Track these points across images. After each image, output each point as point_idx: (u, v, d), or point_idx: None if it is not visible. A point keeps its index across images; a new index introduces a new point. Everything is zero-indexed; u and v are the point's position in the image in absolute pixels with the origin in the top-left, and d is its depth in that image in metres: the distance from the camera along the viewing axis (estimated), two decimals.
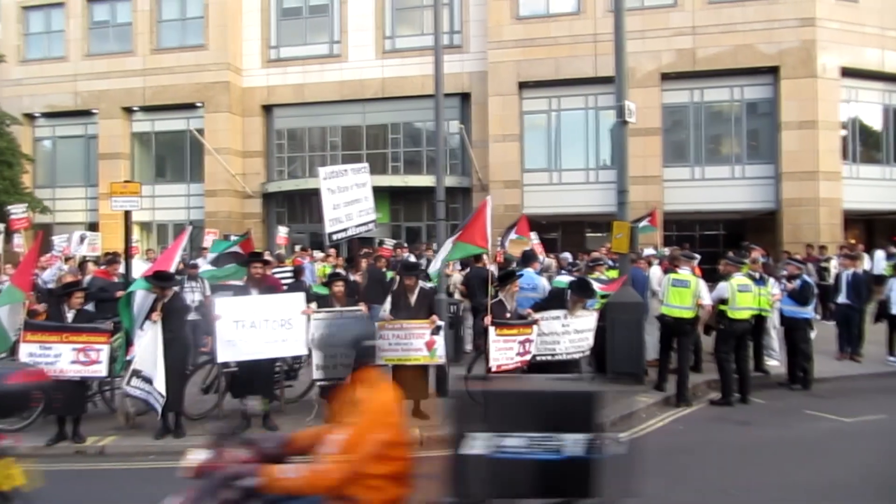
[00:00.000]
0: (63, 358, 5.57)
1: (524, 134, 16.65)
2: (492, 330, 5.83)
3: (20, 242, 11.15)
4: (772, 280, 7.91)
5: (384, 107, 18.11)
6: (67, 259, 11.85)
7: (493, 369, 5.86)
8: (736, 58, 15.27)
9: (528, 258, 8.04)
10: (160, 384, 5.51)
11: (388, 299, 6.33)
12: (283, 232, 13.64)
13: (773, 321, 8.09)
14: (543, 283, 7.59)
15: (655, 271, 8.11)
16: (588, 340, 6.17)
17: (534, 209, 15.06)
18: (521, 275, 6.92)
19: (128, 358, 5.87)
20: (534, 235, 11.17)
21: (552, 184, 16.52)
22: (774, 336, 8.21)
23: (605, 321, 7.14)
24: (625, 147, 7.82)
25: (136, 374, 5.65)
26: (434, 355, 5.98)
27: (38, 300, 6.78)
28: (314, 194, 16.74)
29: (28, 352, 5.56)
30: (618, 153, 8.06)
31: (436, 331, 5.98)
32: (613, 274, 8.21)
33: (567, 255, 11.17)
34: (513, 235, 10.76)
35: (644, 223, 10.78)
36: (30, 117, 19.71)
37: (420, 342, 5.96)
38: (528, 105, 16.68)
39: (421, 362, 5.99)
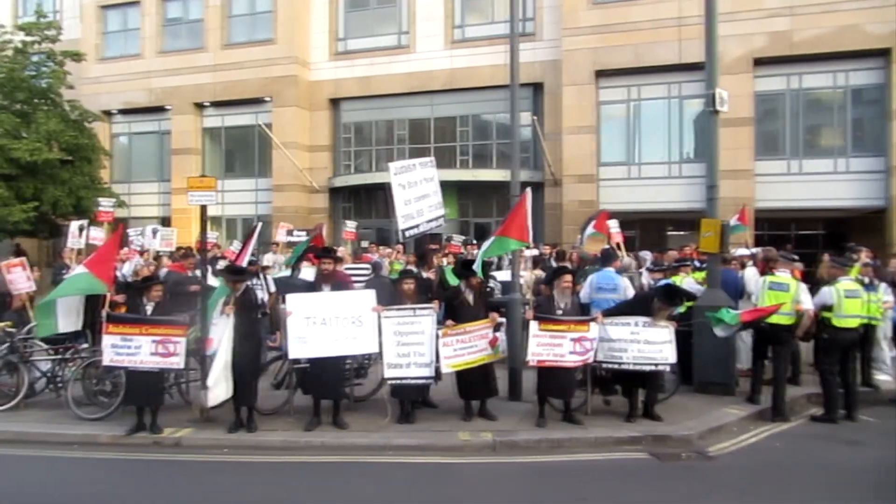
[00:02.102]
0: (143, 350, 5.85)
1: (600, 125, 16.47)
2: (533, 324, 5.96)
3: (96, 235, 11.97)
4: (883, 285, 7.50)
5: (452, 98, 18.34)
6: (141, 253, 12.78)
7: (532, 363, 5.96)
8: (839, 40, 14.45)
9: (607, 257, 7.97)
10: (213, 377, 5.69)
11: (443, 305, 6.44)
12: (350, 226, 14.02)
13: (885, 331, 7.70)
14: (624, 283, 7.47)
15: (751, 273, 7.88)
16: (662, 353, 6.02)
17: (610, 205, 14.72)
18: (574, 271, 6.90)
19: (208, 353, 6.14)
20: (613, 223, 10.90)
21: (630, 178, 16.28)
22: (885, 348, 7.78)
23: (691, 325, 6.99)
24: (715, 138, 7.64)
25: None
26: (497, 351, 6.20)
27: (117, 292, 7.20)
28: (380, 189, 17.18)
29: (110, 343, 5.87)
30: (707, 145, 7.89)
31: (497, 327, 6.18)
32: (700, 276, 8.01)
33: (646, 254, 10.94)
34: (590, 230, 10.65)
35: (733, 221, 10.27)
36: (107, 114, 21.32)
37: (483, 342, 6.16)
38: (605, 95, 16.47)
39: (486, 361, 6.19)
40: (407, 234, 6.90)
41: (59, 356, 7.05)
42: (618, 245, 10.73)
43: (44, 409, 6.81)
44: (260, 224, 9.09)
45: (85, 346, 7.07)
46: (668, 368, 6.22)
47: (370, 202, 19.51)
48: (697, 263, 8.69)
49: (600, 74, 16.34)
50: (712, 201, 7.46)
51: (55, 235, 18.66)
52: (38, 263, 14.67)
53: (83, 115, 18.73)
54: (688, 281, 7.73)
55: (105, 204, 12.55)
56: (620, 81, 16.37)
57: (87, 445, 5.91)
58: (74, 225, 11.55)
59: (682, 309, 6.77)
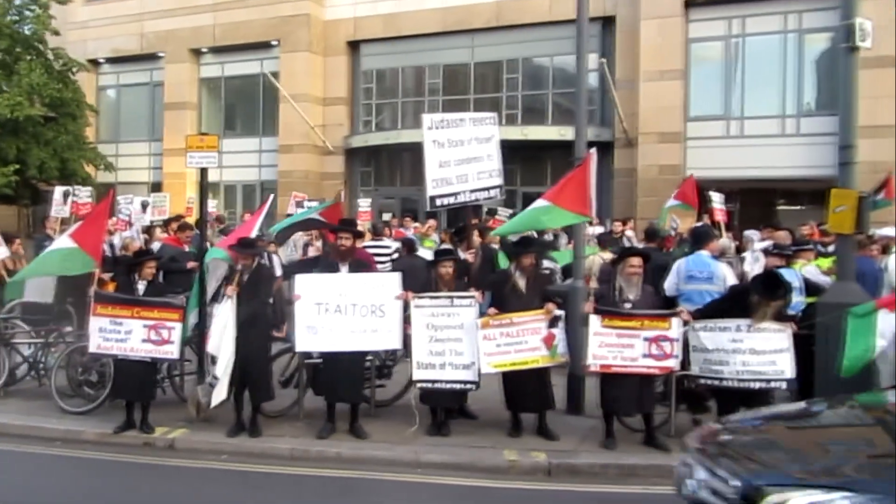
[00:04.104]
0: (134, 335, 6.03)
1: (690, 69, 15.89)
2: (594, 319, 5.80)
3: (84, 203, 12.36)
4: None
5: (498, 38, 18.00)
6: (130, 224, 13.06)
7: (594, 368, 5.82)
8: None
9: (700, 236, 7.59)
10: (221, 367, 5.84)
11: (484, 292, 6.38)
12: (364, 205, 13.84)
13: None
14: (723, 270, 7.09)
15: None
16: (776, 365, 5.70)
17: (701, 171, 14.00)
18: (643, 254, 6.73)
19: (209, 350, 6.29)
20: (717, 197, 10.45)
21: (729, 136, 15.62)
22: None
23: (812, 328, 6.43)
24: (852, 84, 7.06)
25: (213, 360, 6.02)
26: (555, 353, 6.00)
27: (104, 269, 7.40)
28: (407, 150, 17.39)
29: (98, 327, 6.07)
30: (840, 93, 7.36)
31: (553, 322, 5.99)
32: (826, 263, 7.52)
33: (754, 234, 10.39)
34: (672, 201, 10.47)
35: (876, 195, 9.70)
36: (94, 63, 21.87)
37: (536, 339, 5.96)
38: (697, 30, 15.84)
39: (540, 364, 5.99)
40: (437, 202, 6.83)
41: (42, 339, 7.37)
42: (718, 224, 10.47)
43: (25, 399, 7.14)
44: (272, 196, 9.40)
45: (69, 329, 7.36)
46: (783, 385, 5.85)
47: (394, 166, 19.32)
48: (822, 247, 8.36)
49: (691, 4, 15.74)
50: (847, 166, 6.94)
51: (37, 202, 19.36)
52: (19, 234, 15.10)
53: (68, 65, 19.25)
54: (809, 269, 7.34)
55: (82, 194, 12.66)
56: (717, 12, 15.70)
57: (71, 442, 6.18)
58: (59, 191, 11.94)
59: (802, 305, 6.42)
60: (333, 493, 5.20)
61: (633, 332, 5.77)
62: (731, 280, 7.03)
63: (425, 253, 8.95)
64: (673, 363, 5.78)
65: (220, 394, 5.96)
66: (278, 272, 8.17)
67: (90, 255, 6.59)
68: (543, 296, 6.21)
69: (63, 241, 6.90)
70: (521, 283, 6.20)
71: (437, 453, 5.73)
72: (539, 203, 6.50)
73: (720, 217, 10.70)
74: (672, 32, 15.54)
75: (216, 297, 6.46)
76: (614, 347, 5.76)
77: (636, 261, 6.01)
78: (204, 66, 20.96)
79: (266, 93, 19.66)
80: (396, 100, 19.50)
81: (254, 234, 7.13)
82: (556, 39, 16.29)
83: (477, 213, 12.04)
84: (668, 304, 6.50)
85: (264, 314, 6.27)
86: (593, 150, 6.39)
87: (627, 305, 5.92)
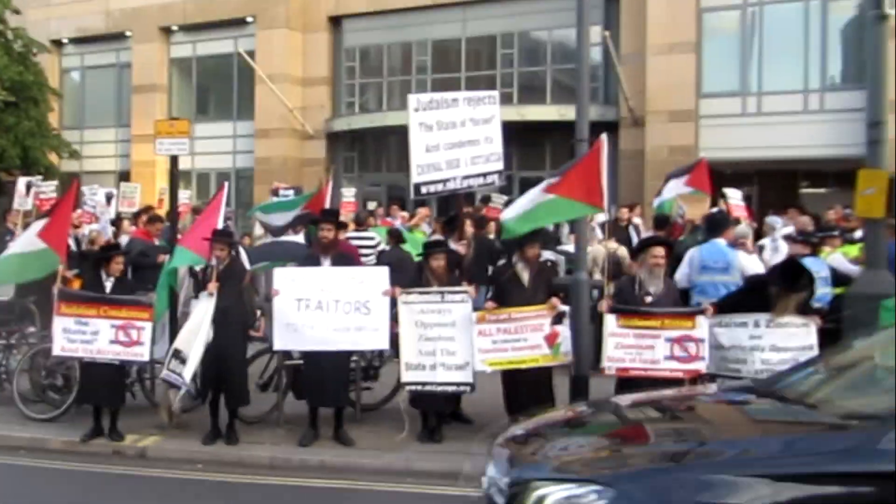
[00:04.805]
0: (101, 336, 6.11)
1: (703, 42, 15.71)
2: (610, 319, 5.80)
3: (46, 195, 12.49)
4: None
5: (492, 11, 17.92)
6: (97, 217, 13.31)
7: (610, 372, 5.83)
8: None
9: (716, 224, 7.63)
10: (190, 369, 5.92)
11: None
12: (348, 195, 13.69)
13: None
14: (741, 260, 7.15)
15: None
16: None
17: (715, 152, 13.99)
18: (667, 243, 6.78)
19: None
20: (734, 194, 10.49)
21: (746, 114, 15.48)
22: None
23: (840, 321, 6.43)
24: (882, 56, 7.11)
25: (177, 355, 6.03)
26: (557, 352, 6.02)
27: (69, 265, 7.51)
28: (393, 133, 17.32)
29: (62, 327, 6.16)
30: (871, 65, 7.40)
31: (557, 319, 6.02)
32: (854, 251, 7.57)
33: (775, 220, 10.27)
34: (683, 187, 10.24)
35: None
36: (57, 44, 21.87)
37: (537, 336, 5.99)
38: None
39: (541, 363, 6.04)
40: (422, 190, 6.85)
41: (4, 341, 7.48)
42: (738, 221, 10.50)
43: None
44: (226, 184, 9.23)
45: (32, 329, 7.49)
46: None
47: (380, 151, 19.41)
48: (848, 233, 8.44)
49: None
50: (876, 145, 6.96)
51: None
52: None
53: (29, 46, 19.31)
54: (835, 257, 7.44)
55: (47, 189, 12.80)
56: None
57: (35, 451, 6.30)
58: (21, 182, 12.02)
59: (829, 296, 6.46)
60: None
61: (653, 331, 5.78)
62: (756, 269, 7.01)
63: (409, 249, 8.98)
64: (700, 366, 5.76)
65: (179, 394, 6.04)
66: (247, 266, 8.22)
67: (55, 251, 6.66)
68: (549, 290, 6.23)
69: (31, 242, 6.90)
70: (525, 275, 6.25)
71: (430, 461, 5.76)
72: (542, 197, 6.45)
73: (741, 213, 10.60)
74: (683, 1, 15.38)
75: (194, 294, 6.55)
76: (633, 349, 5.77)
77: (660, 251, 6.01)
78: (174, 45, 20.92)
79: (241, 73, 19.58)
80: (382, 79, 19.49)
81: (220, 225, 7.20)
82: (555, 11, 16.13)
83: (470, 200, 12.09)
84: (683, 297, 6.53)
85: (239, 311, 6.33)
86: (604, 136, 6.35)
87: (649, 299, 5.93)
